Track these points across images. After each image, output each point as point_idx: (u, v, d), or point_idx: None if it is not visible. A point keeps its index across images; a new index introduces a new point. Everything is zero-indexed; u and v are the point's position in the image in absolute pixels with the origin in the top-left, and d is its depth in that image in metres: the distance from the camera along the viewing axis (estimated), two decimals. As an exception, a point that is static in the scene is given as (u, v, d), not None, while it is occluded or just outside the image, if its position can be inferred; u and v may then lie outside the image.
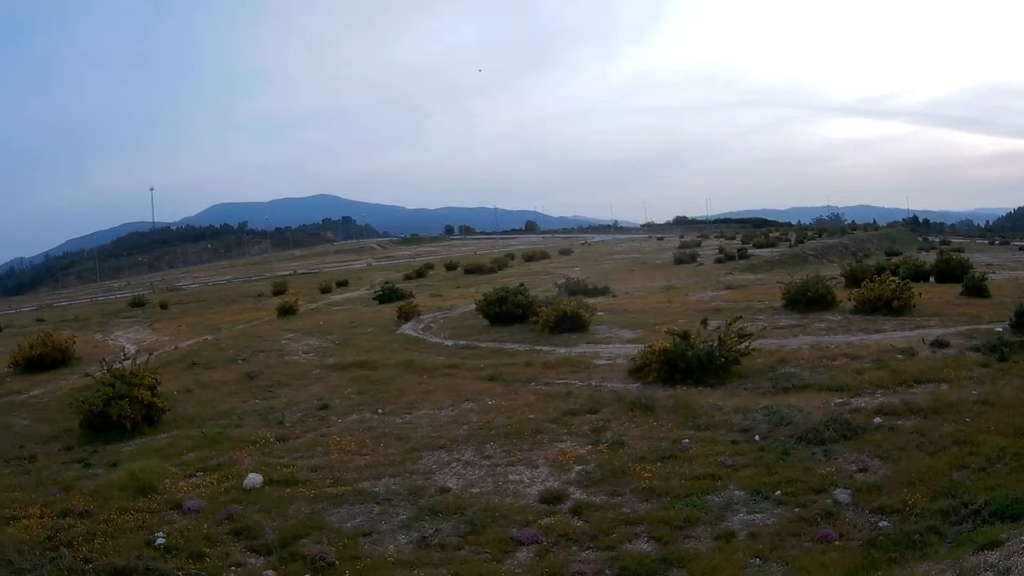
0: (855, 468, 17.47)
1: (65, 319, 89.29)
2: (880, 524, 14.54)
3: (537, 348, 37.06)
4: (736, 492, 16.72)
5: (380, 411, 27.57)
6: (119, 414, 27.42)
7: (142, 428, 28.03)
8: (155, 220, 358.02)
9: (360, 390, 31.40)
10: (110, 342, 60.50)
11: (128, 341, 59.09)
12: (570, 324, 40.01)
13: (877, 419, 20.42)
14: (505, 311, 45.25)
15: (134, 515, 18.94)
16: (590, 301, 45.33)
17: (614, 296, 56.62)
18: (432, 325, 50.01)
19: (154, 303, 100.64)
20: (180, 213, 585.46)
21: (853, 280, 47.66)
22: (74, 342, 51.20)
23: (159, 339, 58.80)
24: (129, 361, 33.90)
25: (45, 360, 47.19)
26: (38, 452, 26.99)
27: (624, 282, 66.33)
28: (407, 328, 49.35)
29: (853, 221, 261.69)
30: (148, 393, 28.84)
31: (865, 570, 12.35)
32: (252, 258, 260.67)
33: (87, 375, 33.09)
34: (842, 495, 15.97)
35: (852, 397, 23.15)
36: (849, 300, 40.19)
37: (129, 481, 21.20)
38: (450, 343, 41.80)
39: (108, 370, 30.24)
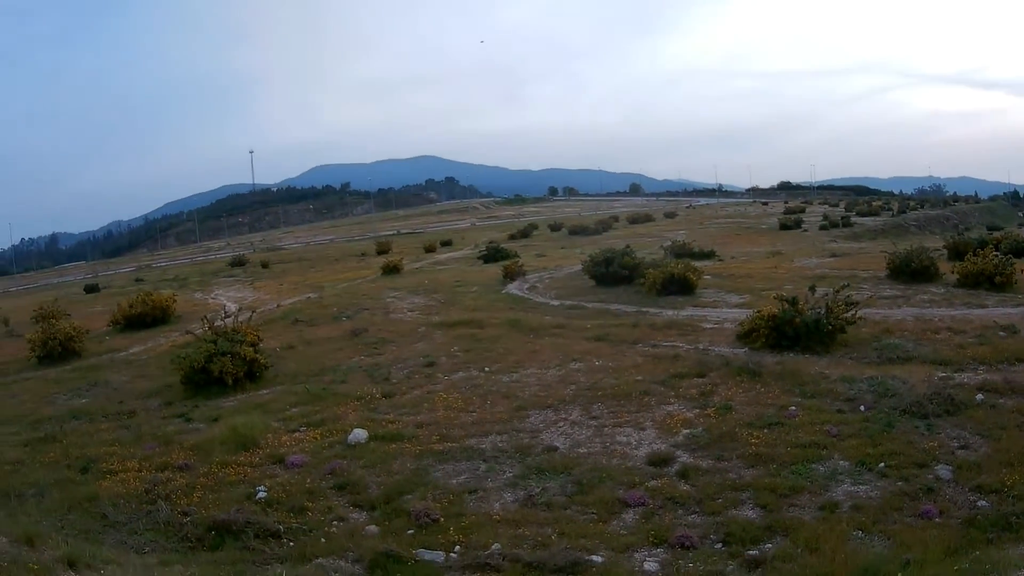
0: (956, 444, 17.13)
1: (164, 279, 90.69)
2: (979, 503, 14.26)
3: (644, 310, 36.75)
4: (841, 462, 16.46)
5: (487, 369, 27.55)
6: (220, 370, 27.75)
7: (244, 384, 28.38)
8: (255, 182, 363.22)
9: (466, 348, 31.40)
10: (210, 301, 61.28)
11: (229, 300, 59.82)
12: (677, 287, 39.74)
13: (979, 396, 19.88)
14: (611, 272, 44.80)
15: (235, 469, 19.19)
16: (696, 265, 44.79)
17: (720, 260, 56.00)
18: (537, 285, 49.97)
19: (255, 263, 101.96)
20: (281, 175, 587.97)
21: (955, 253, 46.13)
22: (174, 301, 51.92)
23: (260, 297, 59.54)
24: (231, 319, 33.99)
25: (145, 319, 47.97)
26: (137, 408, 27.38)
27: (729, 246, 65.81)
28: (512, 288, 49.40)
29: (954, 193, 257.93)
30: (250, 350, 29.27)
31: (964, 549, 12.10)
32: (355, 218, 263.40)
33: (188, 332, 33.85)
34: (943, 471, 15.69)
35: (955, 372, 22.55)
36: (952, 273, 39.06)
37: (230, 435, 21.48)
38: (556, 303, 41.73)
39: (209, 327, 30.69)
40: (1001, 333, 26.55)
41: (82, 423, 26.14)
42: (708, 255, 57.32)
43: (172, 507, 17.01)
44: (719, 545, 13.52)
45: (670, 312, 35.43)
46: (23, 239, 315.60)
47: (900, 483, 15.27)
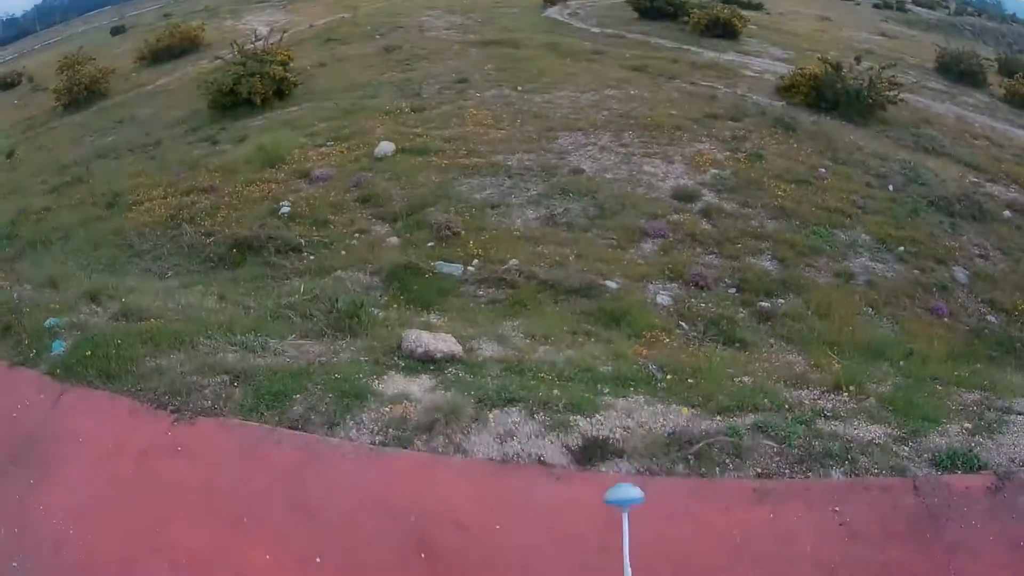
0: (977, 252, 17.15)
1: (194, 11, 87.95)
2: (988, 317, 14.49)
3: (685, 47, 35.96)
4: (862, 235, 16.55)
5: (520, 88, 27.29)
6: (249, 91, 27.69)
7: (272, 103, 28.27)
8: None
9: (500, 67, 31.00)
10: (241, 27, 59.44)
11: (260, 24, 58.21)
12: (721, 30, 38.87)
13: (1007, 212, 19.79)
14: (656, 6, 43.58)
15: (260, 186, 19.42)
16: (743, 12, 43.28)
17: (767, 13, 54.01)
18: (579, 11, 48.60)
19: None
20: None
21: (1006, 69, 43.97)
22: (203, 30, 51.22)
23: (293, 19, 58.22)
24: (261, 42, 34.03)
25: (172, 51, 47.31)
26: (163, 137, 27.46)
27: (779, 2, 64.40)
28: (553, 11, 48.24)
29: (1014, 14, 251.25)
30: (280, 69, 29.09)
31: (966, 357, 12.19)
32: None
33: (217, 58, 33.32)
34: (960, 274, 15.85)
35: (988, 181, 22.31)
36: (1000, 87, 37.94)
37: (256, 153, 21.63)
38: (596, 30, 40.82)
39: (239, 51, 30.50)
40: (1039, 158, 25.72)
41: (108, 160, 26.32)
42: (756, 7, 54.59)
43: (196, 229, 17.35)
44: (732, 290, 13.90)
45: (712, 54, 34.71)
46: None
47: (916, 272, 15.47)
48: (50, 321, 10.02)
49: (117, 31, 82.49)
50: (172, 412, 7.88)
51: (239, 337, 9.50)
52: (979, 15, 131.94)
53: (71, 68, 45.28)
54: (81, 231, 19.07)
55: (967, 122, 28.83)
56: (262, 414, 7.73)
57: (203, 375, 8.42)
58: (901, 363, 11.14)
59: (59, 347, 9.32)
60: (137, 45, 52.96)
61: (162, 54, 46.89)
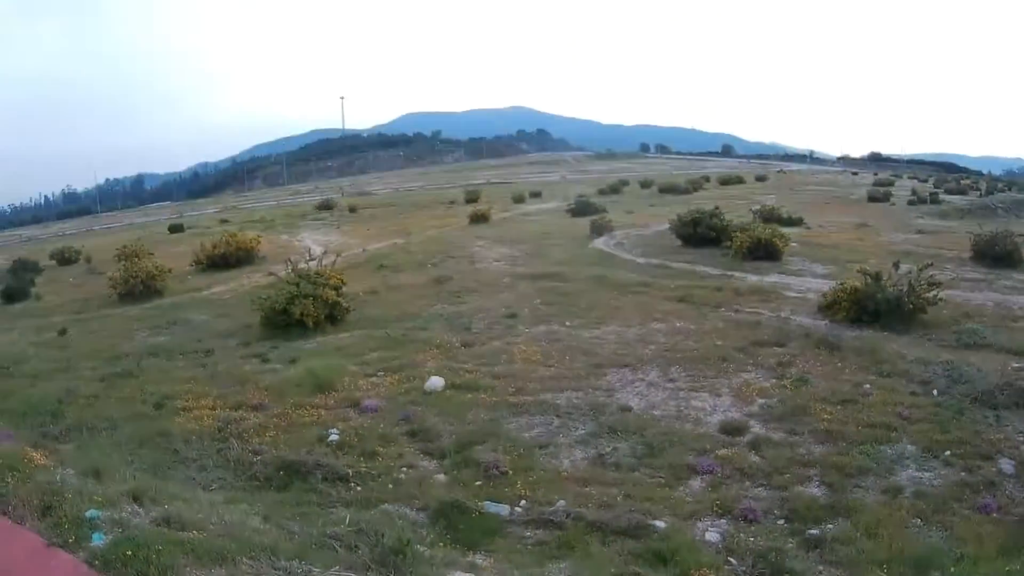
0: (1021, 439, 16.75)
1: (250, 220, 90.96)
2: None
3: (729, 273, 36.38)
4: (908, 446, 16.32)
5: (568, 324, 27.65)
6: (302, 312, 28.21)
7: (324, 327, 28.70)
8: (345, 127, 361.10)
9: (549, 301, 31.49)
10: (296, 243, 61.36)
11: (315, 243, 59.59)
12: (763, 252, 39.34)
13: None
14: (699, 233, 44.46)
15: (309, 411, 19.58)
16: (784, 231, 44.06)
17: (807, 228, 55.08)
18: (624, 241, 49.50)
19: (342, 207, 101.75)
20: (371, 121, 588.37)
21: None
22: (258, 242, 52.56)
23: (347, 241, 59.54)
24: (315, 262, 34.35)
25: (228, 259, 48.55)
26: (215, 346, 27.82)
27: (818, 215, 64.42)
28: (599, 243, 49.03)
29: None
30: (333, 293, 29.57)
31: (1018, 549, 12.02)
32: (445, 166, 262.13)
33: (271, 274, 34.24)
34: (1006, 465, 15.46)
35: (1029, 363, 22.04)
36: None
37: (307, 377, 21.77)
38: (642, 261, 41.43)
39: (293, 269, 31.00)
40: (1082, 332, 25.67)
41: (159, 360, 26.61)
42: (796, 222, 56.19)
43: (243, 446, 17.46)
44: (781, 521, 13.56)
45: (755, 278, 35.10)
46: (108, 179, 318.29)
47: (963, 473, 15.15)
48: (91, 512, 10.19)
49: (175, 229, 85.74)
50: (209, 626, 7.77)
51: (283, 562, 9.51)
52: (1009, 188, 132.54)
53: (129, 259, 46.57)
54: (128, 426, 19.31)
55: (1006, 307, 28.89)
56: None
57: (244, 595, 8.28)
58: (952, 569, 11.14)
59: (99, 539, 9.48)
60: (193, 247, 54.31)
61: (217, 261, 48.30)
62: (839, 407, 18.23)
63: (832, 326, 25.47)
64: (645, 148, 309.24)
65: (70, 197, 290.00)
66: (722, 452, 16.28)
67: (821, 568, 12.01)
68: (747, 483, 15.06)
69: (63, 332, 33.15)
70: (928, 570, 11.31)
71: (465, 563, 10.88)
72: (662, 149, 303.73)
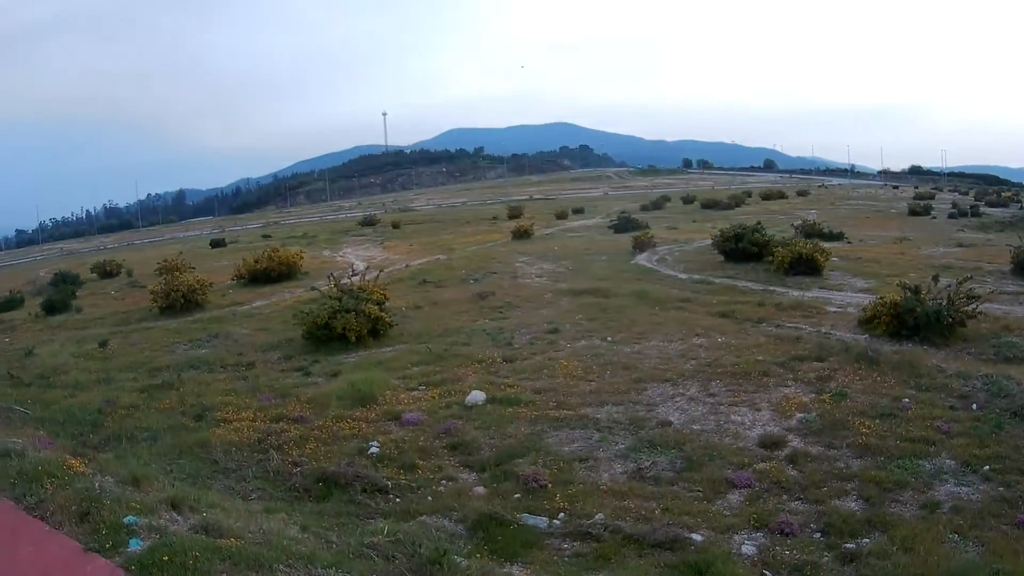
0: (1062, 455, 16.61)
1: (292, 236, 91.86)
2: None
3: (770, 288, 36.63)
4: (947, 461, 16.18)
5: (609, 339, 27.80)
6: (344, 327, 28.43)
7: (366, 341, 28.97)
8: (388, 144, 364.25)
9: (591, 317, 31.74)
10: (338, 259, 62.01)
11: (357, 258, 60.58)
12: (805, 267, 39.46)
13: None
14: (741, 248, 44.70)
15: (350, 423, 19.77)
16: (825, 246, 44.07)
17: (848, 243, 55.10)
18: (667, 257, 49.96)
19: (385, 222, 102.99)
20: (414, 137, 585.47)
21: None
22: (301, 257, 53.06)
23: (389, 257, 60.36)
24: (358, 277, 34.89)
25: (270, 274, 49.21)
26: (256, 360, 28.24)
27: (858, 229, 64.40)
28: (641, 258, 49.47)
29: None
30: (375, 308, 29.84)
31: None
32: (488, 182, 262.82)
33: (313, 288, 34.93)
34: (1045, 481, 15.28)
35: (1070, 376, 21.87)
36: None
37: (348, 391, 22.01)
38: (684, 276, 41.70)
39: (335, 284, 31.27)
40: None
41: (200, 372, 27.03)
42: (837, 236, 56.30)
43: (283, 457, 17.65)
44: (818, 535, 13.49)
45: (796, 293, 35.25)
46: (149, 194, 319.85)
47: (1001, 489, 14.95)
48: (129, 519, 10.32)
49: (216, 244, 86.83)
50: (243, 632, 7.82)
51: (319, 570, 9.63)
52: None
53: (170, 272, 47.12)
54: (168, 436, 19.62)
55: (1046, 320, 28.40)
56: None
57: (279, 602, 8.33)
58: (987, 585, 10.82)
59: (136, 545, 9.61)
60: (235, 261, 55.70)
61: (259, 275, 49.00)
62: (878, 421, 18.16)
63: (872, 340, 25.30)
64: (687, 163, 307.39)
65: (112, 212, 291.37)
66: (760, 466, 16.27)
67: (856, 582, 11.88)
68: (784, 497, 15.02)
69: (104, 344, 33.58)
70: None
71: (502, 574, 10.96)
72: (704, 164, 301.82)
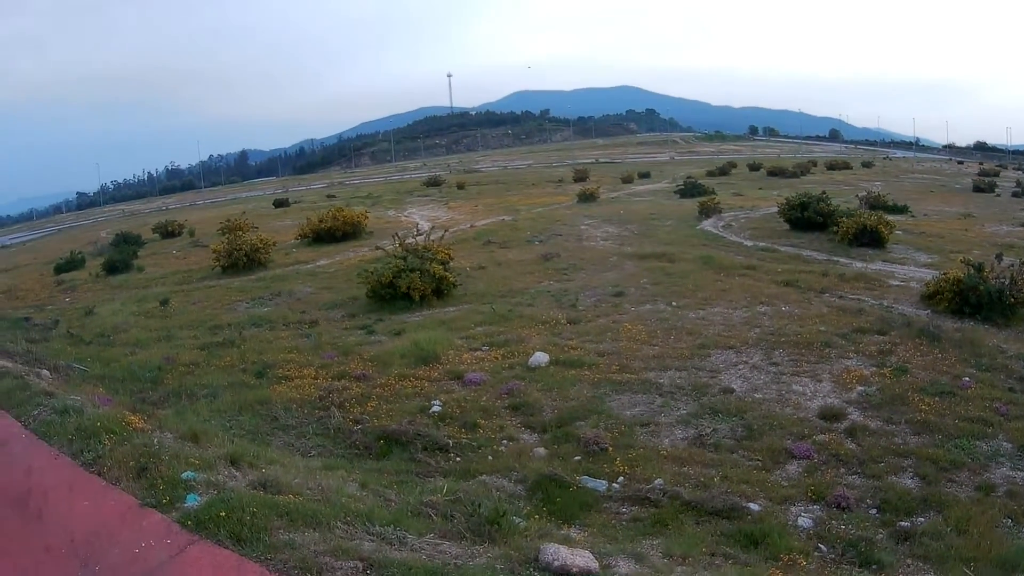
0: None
1: (357, 196, 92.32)
2: None
3: (834, 259, 36.27)
4: (1004, 443, 16.01)
5: (674, 303, 27.82)
6: (408, 286, 28.60)
7: (430, 300, 29.18)
8: (453, 105, 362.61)
9: (656, 281, 31.72)
10: (403, 219, 62.18)
11: (422, 218, 60.61)
12: (869, 239, 39.05)
13: None
14: (806, 217, 44.31)
15: (412, 382, 19.96)
16: (889, 218, 43.44)
17: (912, 216, 54.30)
18: (732, 224, 49.69)
19: (450, 183, 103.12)
20: (479, 99, 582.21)
21: None
22: (365, 217, 53.22)
23: (454, 217, 60.45)
24: (422, 237, 35.15)
25: (334, 233, 49.34)
26: (319, 318, 28.56)
27: (922, 203, 63.60)
28: (707, 224, 49.21)
29: None
30: (440, 267, 29.96)
31: None
32: (553, 145, 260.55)
33: (378, 248, 35.24)
34: (1102, 471, 15.15)
35: None
36: None
37: (411, 349, 22.26)
38: (749, 243, 41.49)
39: (400, 244, 31.48)
40: None
41: (262, 330, 27.42)
42: (901, 210, 55.58)
43: (344, 415, 17.87)
44: (873, 510, 13.49)
45: (859, 264, 34.96)
46: (211, 156, 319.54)
47: (1058, 474, 14.85)
48: (187, 474, 10.56)
49: (280, 204, 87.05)
50: (300, 586, 7.90)
51: (377, 527, 9.78)
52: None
53: (233, 232, 47.35)
54: (228, 393, 19.84)
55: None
56: (391, 605, 7.60)
57: (336, 558, 8.59)
58: (1038, 572, 10.81)
59: (193, 500, 9.80)
60: (298, 220, 56.40)
61: (324, 235, 49.21)
62: (937, 399, 18.00)
63: (933, 316, 25.14)
64: (753, 130, 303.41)
65: (173, 173, 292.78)
66: (819, 438, 16.27)
67: (909, 562, 11.90)
68: (842, 470, 15.01)
69: (165, 302, 34.15)
70: (1015, 572, 11.16)
71: (560, 535, 10.87)
72: (770, 132, 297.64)
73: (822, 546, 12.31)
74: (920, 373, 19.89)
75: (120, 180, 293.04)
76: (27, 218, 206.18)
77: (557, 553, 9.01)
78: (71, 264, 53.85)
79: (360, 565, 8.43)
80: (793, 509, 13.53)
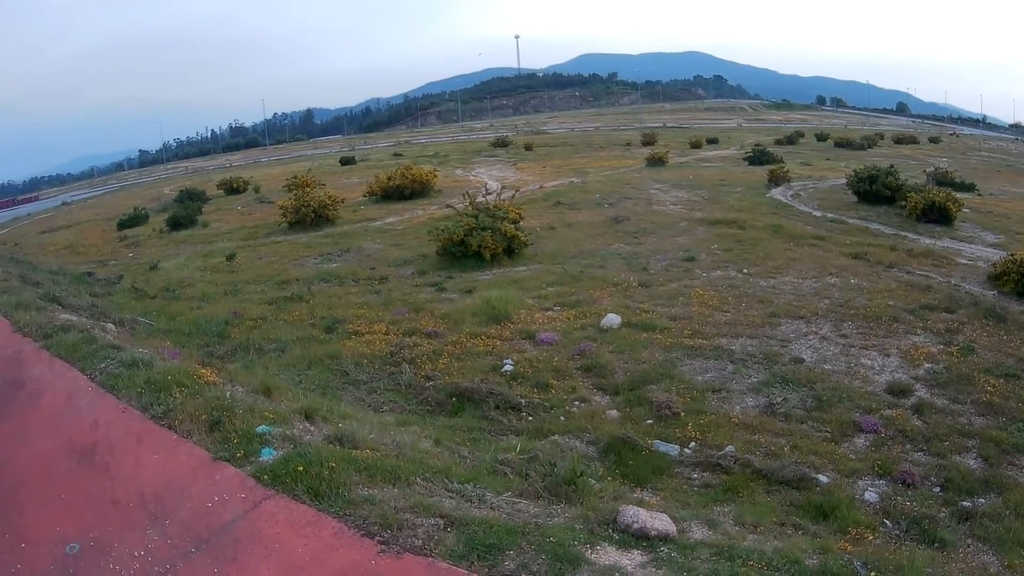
0: None
1: (423, 155, 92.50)
2: None
3: (902, 234, 36.15)
4: (1067, 429, 15.93)
5: (745, 271, 28.01)
6: (479, 244, 28.87)
7: (501, 259, 29.46)
8: (520, 66, 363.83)
9: (726, 247, 31.86)
10: (471, 178, 62.58)
11: (490, 178, 60.73)
12: (936, 215, 38.86)
13: None
14: (874, 190, 44.06)
15: (484, 340, 20.20)
16: (957, 195, 42.87)
17: (979, 195, 53.71)
18: (801, 193, 49.54)
19: (518, 144, 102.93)
20: (546, 61, 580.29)
21: None
22: (435, 176, 53.48)
23: (523, 178, 60.33)
24: (492, 196, 35.33)
25: (403, 191, 49.63)
26: (389, 274, 28.84)
27: (989, 181, 63.18)
28: (776, 193, 49.26)
29: None
30: (511, 227, 30.26)
31: None
32: (620, 108, 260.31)
33: (448, 206, 35.61)
34: None
35: None
36: None
37: (483, 307, 22.55)
38: (818, 214, 41.44)
39: (471, 203, 31.85)
40: None
41: (331, 285, 27.83)
42: (968, 187, 54.72)
43: (416, 371, 18.17)
44: (937, 488, 13.58)
45: (927, 240, 34.79)
46: (276, 114, 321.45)
47: (1120, 462, 14.80)
48: (262, 428, 10.65)
49: (346, 161, 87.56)
50: (380, 543, 8.12)
51: (456, 484, 9.94)
52: None
53: (300, 188, 47.66)
54: (296, 348, 20.21)
55: None
56: (472, 563, 7.86)
57: (416, 514, 8.72)
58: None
59: (268, 454, 9.90)
60: (365, 178, 56.96)
61: (392, 192, 49.53)
62: (1002, 380, 17.92)
63: (1000, 297, 24.96)
64: (821, 100, 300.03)
65: (237, 131, 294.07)
66: (887, 412, 16.32)
67: (970, 542, 11.96)
68: (908, 446, 15.06)
69: (231, 257, 34.65)
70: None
71: (633, 499, 11.02)
72: (838, 103, 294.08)
73: (887, 521, 12.41)
74: (986, 354, 19.80)
75: (183, 138, 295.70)
76: (88, 176, 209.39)
77: (636, 515, 9.12)
78: (134, 220, 54.74)
79: (441, 522, 8.55)
80: (860, 483, 13.63)
